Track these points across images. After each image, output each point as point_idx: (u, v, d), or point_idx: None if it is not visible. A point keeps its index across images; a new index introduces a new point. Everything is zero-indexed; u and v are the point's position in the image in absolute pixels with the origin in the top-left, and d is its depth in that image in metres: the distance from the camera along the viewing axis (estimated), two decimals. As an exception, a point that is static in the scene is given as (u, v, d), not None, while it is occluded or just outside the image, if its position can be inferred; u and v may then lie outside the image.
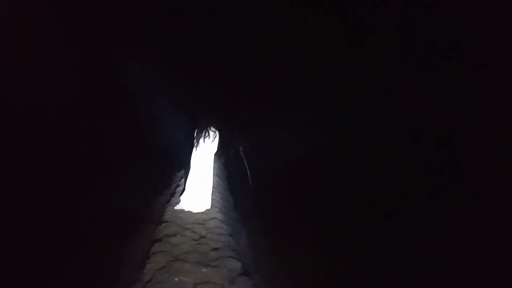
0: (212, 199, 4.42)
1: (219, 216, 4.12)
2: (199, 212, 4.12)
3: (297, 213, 4.63)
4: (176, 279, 2.48)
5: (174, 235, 3.29)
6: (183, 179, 5.20)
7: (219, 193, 5.27)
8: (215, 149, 4.23)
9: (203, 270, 2.68)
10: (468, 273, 2.85)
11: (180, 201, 4.25)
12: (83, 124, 6.94)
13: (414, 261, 3.15)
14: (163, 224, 3.57)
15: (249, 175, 6.45)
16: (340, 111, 7.70)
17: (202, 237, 3.39)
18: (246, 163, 6.58)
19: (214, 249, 3.12)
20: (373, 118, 6.96)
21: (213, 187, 4.49)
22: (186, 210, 4.13)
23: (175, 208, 4.14)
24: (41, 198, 3.95)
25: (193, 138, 4.20)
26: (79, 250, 2.85)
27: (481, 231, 3.43)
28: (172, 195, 4.76)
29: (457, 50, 5.97)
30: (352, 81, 8.12)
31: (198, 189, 4.19)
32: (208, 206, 4.27)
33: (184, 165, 5.83)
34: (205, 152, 4.16)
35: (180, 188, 4.95)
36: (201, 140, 4.09)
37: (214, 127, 4.14)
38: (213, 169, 4.40)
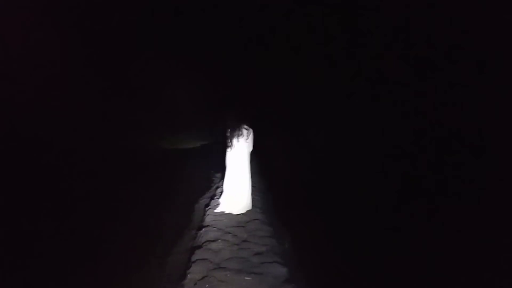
0: (252, 198, 4.26)
1: (260, 217, 3.93)
2: (239, 214, 3.98)
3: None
4: (218, 290, 2.34)
5: (215, 240, 3.17)
6: (222, 180, 5.12)
7: (260, 192, 5.09)
8: (251, 148, 4.05)
9: (246, 278, 2.50)
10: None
11: (219, 203, 4.15)
12: (118, 126, 7.15)
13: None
14: (203, 229, 3.47)
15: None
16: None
17: (244, 241, 3.23)
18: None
19: (257, 254, 2.93)
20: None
21: (253, 186, 4.33)
22: (226, 212, 4.01)
23: (215, 211, 4.04)
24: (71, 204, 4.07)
25: (227, 139, 4.06)
26: (115, 261, 2.83)
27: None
28: (212, 197, 4.68)
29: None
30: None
31: (237, 190, 4.05)
32: (249, 207, 4.11)
33: (222, 166, 5.78)
34: (240, 152, 3.99)
35: (220, 190, 4.86)
36: (234, 140, 3.93)
37: (247, 125, 3.96)
38: (251, 168, 4.23)
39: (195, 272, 2.56)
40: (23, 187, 4.25)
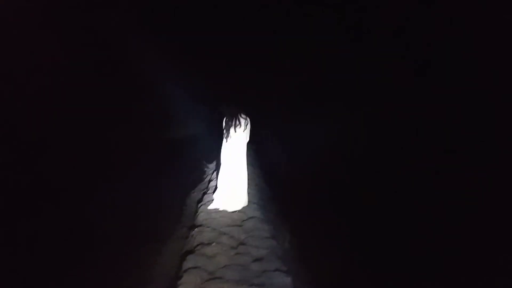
0: (248, 193, 3.92)
1: (258, 214, 3.60)
2: (235, 211, 3.64)
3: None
4: (214, 307, 2.02)
5: (209, 243, 2.83)
6: (216, 172, 4.76)
7: (256, 185, 4.76)
8: (247, 139, 3.67)
9: (246, 291, 2.19)
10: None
11: (213, 199, 3.80)
12: (103, 116, 6.86)
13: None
14: (196, 229, 3.13)
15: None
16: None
17: (241, 243, 2.91)
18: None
19: (257, 260, 2.61)
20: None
21: (248, 179, 3.98)
22: (220, 209, 3.67)
23: (209, 208, 3.70)
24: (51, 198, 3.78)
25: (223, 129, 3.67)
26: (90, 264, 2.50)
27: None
28: (205, 192, 4.33)
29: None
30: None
31: (232, 185, 3.70)
32: (245, 203, 3.78)
33: (215, 157, 5.41)
34: (236, 143, 3.62)
35: (213, 184, 4.51)
36: (231, 130, 3.54)
37: (244, 114, 3.57)
38: (247, 159, 3.88)
39: (186, 283, 2.23)
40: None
